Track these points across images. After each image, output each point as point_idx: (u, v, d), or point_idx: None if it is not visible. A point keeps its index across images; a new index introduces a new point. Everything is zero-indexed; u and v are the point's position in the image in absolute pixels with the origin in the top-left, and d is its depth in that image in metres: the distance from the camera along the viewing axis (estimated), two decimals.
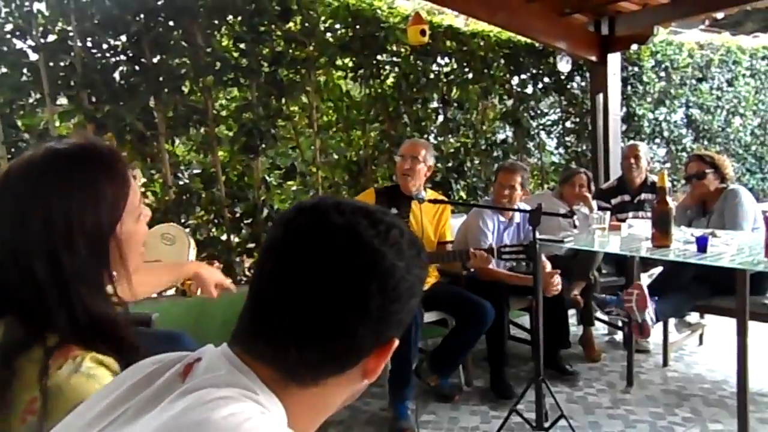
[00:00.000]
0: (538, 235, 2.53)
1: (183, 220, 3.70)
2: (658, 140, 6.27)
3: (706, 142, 6.57)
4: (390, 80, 4.59)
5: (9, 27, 3.26)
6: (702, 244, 2.45)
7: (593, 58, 5.01)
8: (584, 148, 5.70)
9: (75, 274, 0.93)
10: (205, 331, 3.09)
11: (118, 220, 0.98)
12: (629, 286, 2.99)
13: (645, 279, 3.97)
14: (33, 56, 3.32)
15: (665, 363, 3.48)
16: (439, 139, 4.88)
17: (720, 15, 4.98)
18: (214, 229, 3.92)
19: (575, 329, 3.75)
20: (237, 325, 0.70)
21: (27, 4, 3.24)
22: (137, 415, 0.65)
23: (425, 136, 4.73)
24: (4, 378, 0.85)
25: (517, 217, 3.45)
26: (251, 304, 0.69)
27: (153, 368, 0.71)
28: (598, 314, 3.74)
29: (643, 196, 3.99)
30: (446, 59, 4.91)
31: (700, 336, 3.81)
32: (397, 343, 0.70)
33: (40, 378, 0.84)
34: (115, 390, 0.71)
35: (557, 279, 3.10)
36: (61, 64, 3.38)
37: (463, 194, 4.94)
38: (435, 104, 4.89)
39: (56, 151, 0.98)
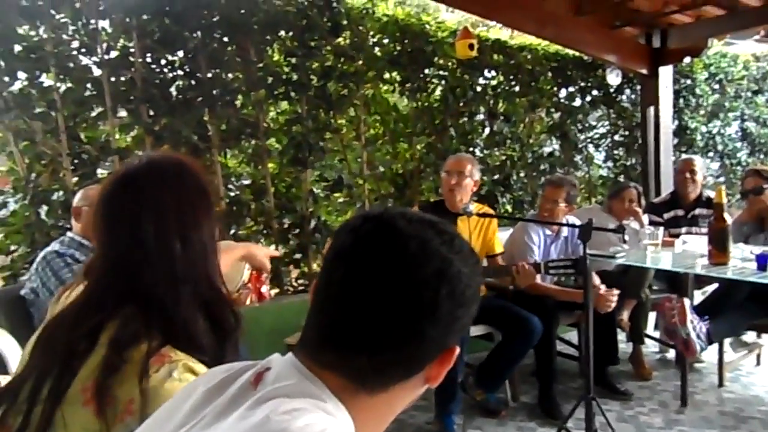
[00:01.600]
0: (588, 250, 2.50)
1: (233, 231, 3.80)
2: (711, 154, 6.10)
3: (762, 156, 6.36)
4: (437, 93, 4.62)
5: (75, 44, 3.42)
6: (762, 262, 2.38)
7: (644, 71, 4.93)
8: (633, 161, 5.60)
9: (192, 271, 1.00)
10: (254, 340, 3.15)
11: (216, 225, 1.07)
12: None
13: (698, 296, 3.86)
14: (96, 72, 3.48)
15: (721, 383, 3.36)
16: (485, 152, 4.87)
17: None
18: (262, 240, 4.01)
19: (624, 346, 3.66)
20: (303, 334, 0.72)
21: (92, 22, 3.40)
22: (214, 422, 0.68)
23: (471, 149, 4.73)
24: (115, 363, 0.90)
25: (565, 231, 3.41)
26: (319, 314, 0.70)
27: (224, 376, 0.74)
28: (648, 331, 3.65)
29: (697, 211, 3.88)
30: (493, 72, 4.91)
31: (758, 356, 3.66)
32: (458, 350, 0.72)
33: (140, 379, 0.88)
34: (189, 396, 0.74)
35: (614, 297, 3.02)
36: (122, 78, 3.53)
37: (508, 207, 4.91)
38: (481, 117, 4.89)
39: (160, 160, 1.09)
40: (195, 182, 1.07)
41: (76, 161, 3.44)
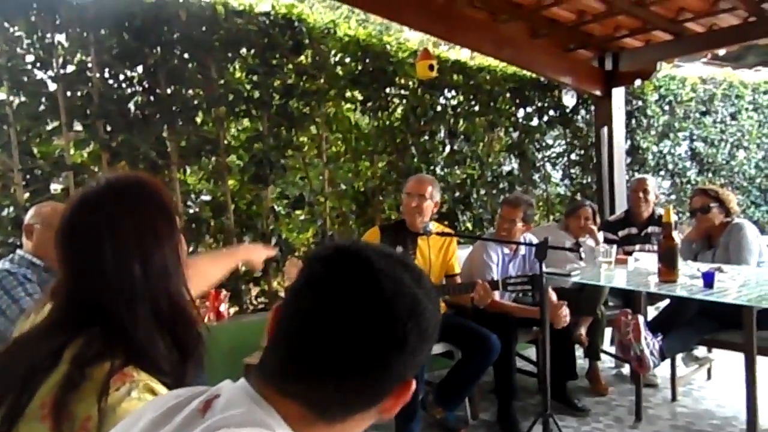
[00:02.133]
0: (544, 268, 2.56)
1: (192, 249, 3.74)
2: (662, 173, 6.33)
3: (710, 175, 6.62)
4: (398, 113, 4.68)
5: (30, 58, 3.34)
6: (708, 280, 2.47)
7: (598, 93, 5.10)
8: (589, 180, 5.76)
9: (153, 292, 1.01)
10: (211, 360, 3.09)
11: (180, 240, 1.08)
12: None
13: (652, 312, 3.97)
14: (52, 86, 3.40)
15: (674, 398, 3.46)
16: (446, 170, 4.94)
17: (721, 51, 5.07)
18: None
19: (581, 362, 3.73)
20: (263, 361, 0.72)
21: (48, 36, 3.33)
22: None
23: (432, 167, 4.80)
24: (76, 379, 0.89)
25: (522, 249, 3.48)
26: (284, 342, 0.71)
27: (173, 403, 0.73)
28: (605, 348, 3.73)
29: (650, 229, 4.01)
30: (453, 92, 5.00)
31: (708, 370, 3.79)
32: (414, 384, 0.74)
33: (100, 397, 0.88)
34: (137, 423, 0.73)
35: (565, 311, 3.10)
36: (78, 93, 3.46)
37: (469, 225, 4.98)
38: (442, 136, 4.97)
39: (119, 181, 1.10)
40: (155, 201, 1.08)
41: (28, 177, 3.35)
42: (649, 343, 2.84)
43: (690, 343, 3.24)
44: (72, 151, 3.48)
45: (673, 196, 6.42)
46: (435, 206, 3.24)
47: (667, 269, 2.66)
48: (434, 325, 0.72)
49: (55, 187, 3.51)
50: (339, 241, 0.83)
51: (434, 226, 3.11)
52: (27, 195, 3.29)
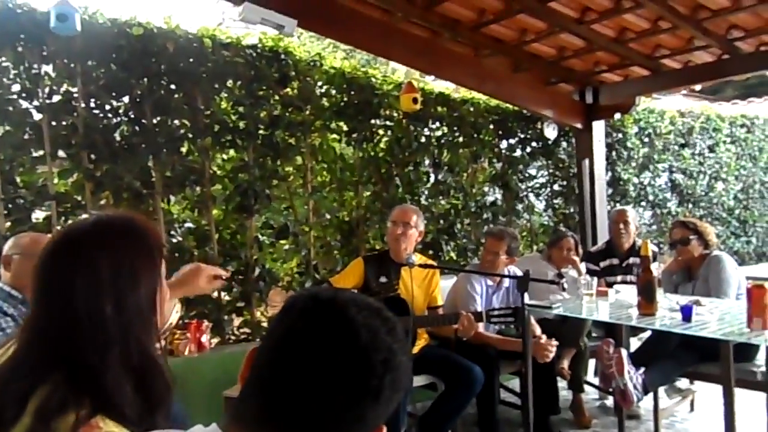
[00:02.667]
0: (527, 300, 2.58)
1: (174, 278, 3.70)
2: (643, 204, 6.43)
3: (690, 206, 6.74)
4: (383, 144, 4.73)
5: (16, 88, 3.35)
6: (687, 314, 2.50)
7: (578, 125, 5.21)
8: (572, 210, 5.83)
9: (123, 336, 0.99)
10: (192, 392, 3.06)
11: (160, 285, 1.07)
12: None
13: (635, 342, 4.00)
14: (37, 116, 3.41)
15: (656, 430, 3.44)
16: (430, 200, 4.98)
17: (698, 87, 5.22)
18: None
19: (565, 393, 3.73)
20: (238, 408, 0.73)
21: (35, 66, 3.34)
22: None
23: (416, 198, 4.83)
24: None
25: (506, 281, 3.50)
26: (262, 391, 0.72)
27: None
28: (588, 379, 3.74)
29: (631, 260, 4.07)
30: (437, 124, 5.07)
31: (691, 402, 3.80)
32: (384, 429, 0.75)
33: None
34: None
35: (552, 347, 3.10)
36: (64, 123, 3.46)
37: (453, 255, 5.00)
38: (426, 167, 5.02)
39: (106, 220, 1.09)
40: (140, 242, 1.07)
41: (9, 206, 3.32)
42: (633, 377, 2.85)
43: (672, 375, 3.26)
44: (56, 181, 3.47)
45: (654, 227, 6.52)
46: (419, 235, 3.28)
47: (646, 302, 2.69)
48: (407, 376, 0.74)
49: (37, 217, 3.48)
50: (316, 289, 0.85)
51: (417, 258, 3.13)
52: (8, 224, 3.26)
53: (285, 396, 0.70)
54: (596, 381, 3.88)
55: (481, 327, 3.21)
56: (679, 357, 3.10)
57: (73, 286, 0.98)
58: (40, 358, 0.97)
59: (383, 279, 3.19)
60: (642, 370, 2.90)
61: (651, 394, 3.35)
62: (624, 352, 2.88)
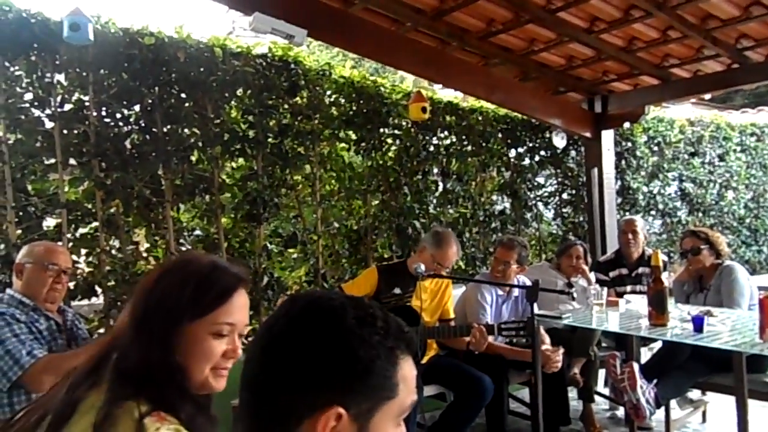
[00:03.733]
0: (536, 310, 2.57)
1: None
2: (653, 212, 6.39)
3: (700, 215, 6.69)
4: (391, 152, 4.73)
5: (29, 96, 3.38)
6: (698, 324, 2.48)
7: (587, 135, 5.19)
8: (581, 219, 5.80)
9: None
10: None
11: (196, 318, 1.12)
12: (629, 361, 2.99)
13: (645, 352, 3.97)
14: (48, 124, 3.44)
15: None
16: (439, 209, 4.98)
17: (707, 96, 5.20)
18: None
19: (575, 404, 3.70)
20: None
21: (48, 75, 3.38)
22: None
23: (425, 206, 4.83)
24: (111, 413, 0.98)
25: (516, 291, 3.49)
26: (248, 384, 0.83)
27: None
28: (599, 389, 3.70)
29: (640, 269, 4.04)
30: (446, 133, 5.08)
31: (703, 413, 3.76)
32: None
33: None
34: None
35: (559, 356, 3.09)
36: (75, 132, 3.48)
37: (461, 264, 4.98)
38: (435, 176, 5.01)
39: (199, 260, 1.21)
40: (215, 286, 1.15)
41: (21, 213, 3.35)
42: (645, 391, 2.83)
43: (684, 387, 3.23)
44: (66, 189, 3.50)
45: (664, 236, 6.47)
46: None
47: (657, 313, 2.67)
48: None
49: (48, 225, 3.50)
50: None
51: (425, 267, 3.12)
52: (19, 232, 3.28)
53: (267, 384, 0.77)
54: (606, 391, 3.86)
55: (490, 337, 3.19)
56: (691, 368, 3.08)
57: (148, 317, 1.11)
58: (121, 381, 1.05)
59: (397, 290, 3.19)
60: (654, 382, 2.87)
61: (663, 406, 3.33)
62: (636, 366, 2.86)
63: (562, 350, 3.11)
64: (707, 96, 5.21)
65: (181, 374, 1.10)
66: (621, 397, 2.87)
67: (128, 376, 1.04)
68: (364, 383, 0.74)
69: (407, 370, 0.78)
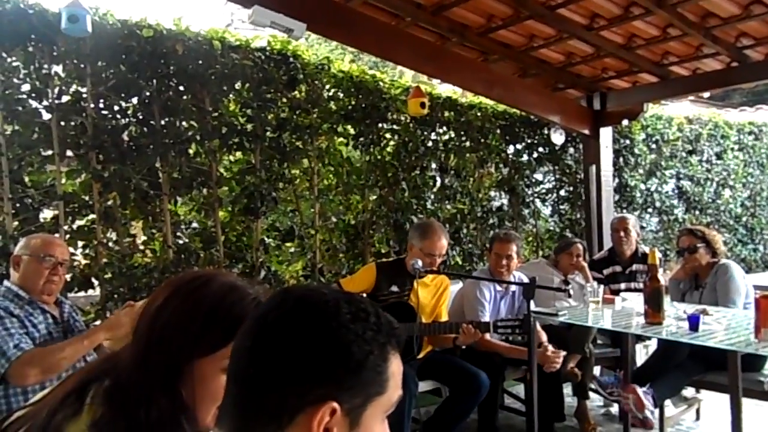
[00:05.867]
0: (533, 307, 2.57)
1: None
2: (650, 210, 6.40)
3: (697, 213, 6.70)
4: (390, 148, 4.73)
5: (26, 87, 3.36)
6: (694, 323, 2.49)
7: (586, 131, 5.19)
8: (578, 216, 5.81)
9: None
10: None
11: (206, 354, 1.00)
12: (624, 358, 3.01)
13: (640, 349, 3.99)
14: (46, 116, 3.42)
15: None
16: (436, 205, 4.98)
17: (706, 94, 5.20)
18: None
19: (570, 400, 3.72)
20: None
21: (45, 66, 3.36)
22: None
23: (423, 202, 4.83)
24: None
25: (514, 286, 3.49)
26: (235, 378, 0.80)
27: None
28: (593, 386, 3.71)
29: (634, 267, 4.05)
30: (444, 129, 5.07)
31: (697, 411, 3.78)
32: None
33: None
34: None
35: (559, 360, 3.10)
36: (72, 123, 3.47)
37: (459, 260, 4.99)
38: (433, 171, 5.01)
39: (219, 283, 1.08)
40: (229, 315, 1.02)
41: (17, 205, 3.34)
42: (649, 406, 2.86)
43: (679, 386, 3.26)
44: (63, 181, 3.49)
45: (660, 234, 6.49)
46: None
47: (653, 311, 2.67)
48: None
49: (44, 216, 3.49)
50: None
51: (421, 263, 3.12)
52: (16, 224, 3.27)
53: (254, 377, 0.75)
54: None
55: (487, 334, 3.20)
56: (686, 367, 3.09)
57: (149, 345, 1.02)
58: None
59: (395, 288, 3.18)
60: (651, 388, 2.90)
61: None
62: (639, 390, 2.87)
63: (563, 353, 3.12)
64: (706, 94, 5.21)
65: (185, 414, 0.97)
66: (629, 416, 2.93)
67: (121, 410, 0.93)
68: (358, 378, 0.74)
69: (396, 366, 0.78)
